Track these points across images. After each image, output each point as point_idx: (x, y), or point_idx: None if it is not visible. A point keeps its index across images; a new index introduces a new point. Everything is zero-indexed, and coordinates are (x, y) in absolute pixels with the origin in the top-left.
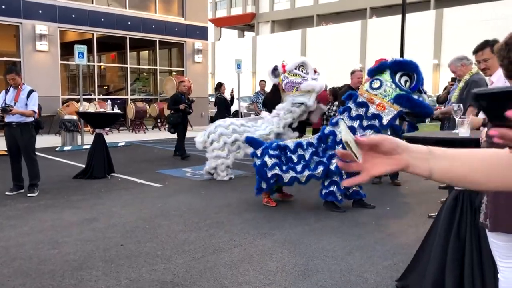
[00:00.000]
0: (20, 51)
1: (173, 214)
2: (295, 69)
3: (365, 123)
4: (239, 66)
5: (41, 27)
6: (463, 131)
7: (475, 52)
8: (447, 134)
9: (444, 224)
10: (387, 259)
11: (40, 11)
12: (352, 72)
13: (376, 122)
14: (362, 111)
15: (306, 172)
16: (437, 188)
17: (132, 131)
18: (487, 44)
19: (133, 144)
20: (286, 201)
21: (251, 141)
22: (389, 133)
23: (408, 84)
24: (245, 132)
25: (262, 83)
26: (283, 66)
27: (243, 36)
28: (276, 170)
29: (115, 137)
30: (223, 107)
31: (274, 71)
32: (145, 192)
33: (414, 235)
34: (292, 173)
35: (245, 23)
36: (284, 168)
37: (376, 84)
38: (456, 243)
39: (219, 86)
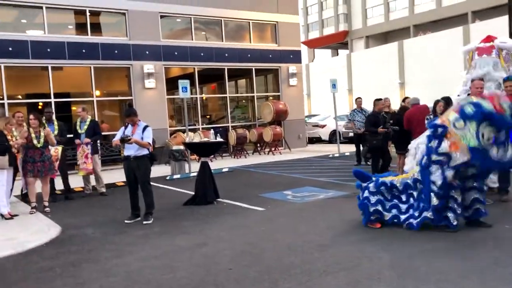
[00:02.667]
0: (131, 89)
1: (277, 237)
2: None
3: (433, 157)
4: (334, 86)
5: (148, 66)
6: None
7: None
8: None
9: None
10: (509, 283)
11: (147, 52)
12: (472, 80)
13: (444, 159)
14: (434, 143)
15: (411, 212)
16: None
17: (234, 157)
18: None
19: (236, 170)
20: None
21: (358, 174)
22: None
23: (491, 134)
24: None
25: (359, 100)
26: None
27: (337, 54)
28: (379, 207)
29: (219, 164)
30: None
31: None
32: (249, 216)
33: None
34: (394, 212)
35: (338, 42)
36: (387, 206)
37: (460, 125)
38: None
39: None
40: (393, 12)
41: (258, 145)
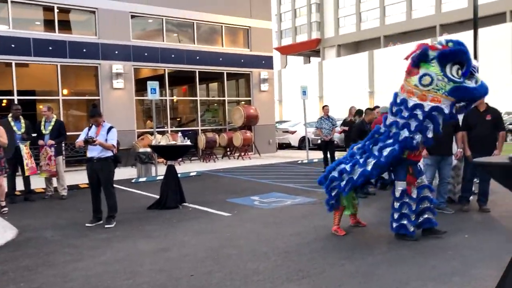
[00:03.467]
0: (99, 89)
1: (242, 243)
2: None
3: (421, 116)
4: (304, 93)
5: (117, 66)
6: None
7: None
8: None
9: None
10: None
11: (116, 52)
12: None
13: (435, 113)
14: (418, 111)
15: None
16: None
17: (203, 161)
18: None
19: (204, 174)
20: (359, 226)
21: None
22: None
23: (459, 71)
24: None
25: (326, 108)
26: None
27: (309, 62)
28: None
29: (187, 167)
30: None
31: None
32: (215, 222)
33: (495, 265)
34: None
35: (310, 49)
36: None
37: (427, 81)
38: None
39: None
40: (365, 22)
41: (228, 149)
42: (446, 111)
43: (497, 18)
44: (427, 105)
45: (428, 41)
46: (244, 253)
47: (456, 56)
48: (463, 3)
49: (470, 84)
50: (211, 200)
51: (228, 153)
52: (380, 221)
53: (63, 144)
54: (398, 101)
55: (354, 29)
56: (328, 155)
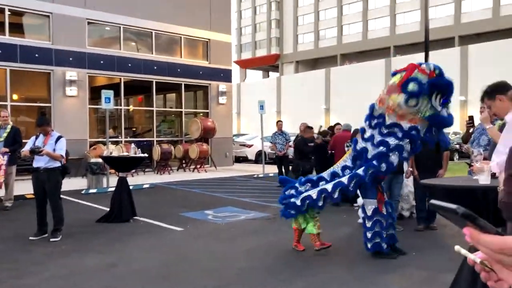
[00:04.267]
0: (51, 96)
1: (194, 260)
2: None
3: (399, 134)
4: (262, 107)
5: (71, 73)
6: (483, 178)
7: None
8: (467, 181)
9: (468, 276)
10: None
11: (71, 58)
12: None
13: (414, 132)
14: (395, 129)
15: (330, 184)
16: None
17: (157, 173)
18: (483, 96)
19: (158, 186)
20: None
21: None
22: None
23: (439, 100)
24: None
25: (280, 123)
26: None
27: (268, 76)
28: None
29: (140, 179)
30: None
31: None
32: (167, 237)
33: (439, 284)
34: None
35: (269, 64)
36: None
37: (412, 103)
38: None
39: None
40: (323, 40)
41: (184, 161)
42: (421, 133)
43: (447, 42)
44: (406, 125)
45: (382, 61)
46: (195, 270)
47: (446, 88)
48: (416, 26)
49: (444, 113)
50: (164, 213)
51: (184, 165)
52: (336, 237)
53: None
54: (376, 114)
55: (312, 46)
56: (283, 170)
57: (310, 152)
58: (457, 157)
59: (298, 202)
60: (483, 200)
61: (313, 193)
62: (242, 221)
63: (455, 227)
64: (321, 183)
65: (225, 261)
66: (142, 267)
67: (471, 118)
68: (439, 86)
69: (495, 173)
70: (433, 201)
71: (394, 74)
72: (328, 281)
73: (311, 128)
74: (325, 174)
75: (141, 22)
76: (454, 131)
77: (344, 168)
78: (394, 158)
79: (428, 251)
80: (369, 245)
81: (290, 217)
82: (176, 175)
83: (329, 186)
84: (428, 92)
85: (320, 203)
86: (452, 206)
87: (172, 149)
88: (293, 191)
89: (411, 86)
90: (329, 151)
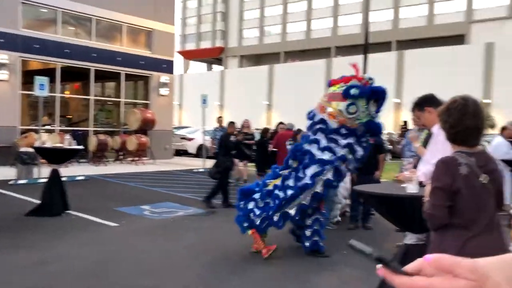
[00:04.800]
0: None
1: (128, 257)
2: None
3: (342, 142)
4: (204, 101)
5: (2, 56)
6: (411, 187)
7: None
8: (397, 190)
9: None
10: None
11: (2, 40)
12: None
13: (354, 137)
14: (338, 135)
15: (293, 210)
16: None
17: (92, 164)
18: (414, 107)
19: (92, 178)
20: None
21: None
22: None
23: (374, 107)
24: None
25: (220, 119)
26: None
27: (211, 69)
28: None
29: (74, 170)
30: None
31: None
32: (100, 232)
33: (371, 283)
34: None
35: (213, 57)
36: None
37: (353, 110)
38: None
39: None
40: (267, 36)
41: (121, 153)
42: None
43: (385, 46)
44: (346, 130)
45: (324, 61)
46: (130, 268)
47: (384, 95)
48: (356, 29)
49: (377, 121)
50: (98, 208)
51: (121, 157)
52: (273, 235)
53: None
54: (316, 119)
55: (256, 42)
56: None
57: (232, 148)
58: (390, 157)
59: (258, 222)
60: (410, 209)
61: (276, 216)
62: (180, 217)
63: (388, 227)
64: (276, 191)
65: (161, 258)
66: (73, 265)
67: (405, 123)
68: (378, 93)
69: (421, 182)
70: (352, 242)
71: (330, 84)
72: (263, 280)
73: (233, 123)
74: (277, 180)
75: (81, 6)
76: (387, 131)
77: (291, 173)
78: (343, 167)
79: None
80: (306, 243)
81: (244, 231)
82: (113, 167)
83: (292, 211)
84: (369, 96)
85: (280, 224)
86: (368, 249)
87: (109, 140)
88: (252, 205)
89: (353, 91)
90: (272, 149)
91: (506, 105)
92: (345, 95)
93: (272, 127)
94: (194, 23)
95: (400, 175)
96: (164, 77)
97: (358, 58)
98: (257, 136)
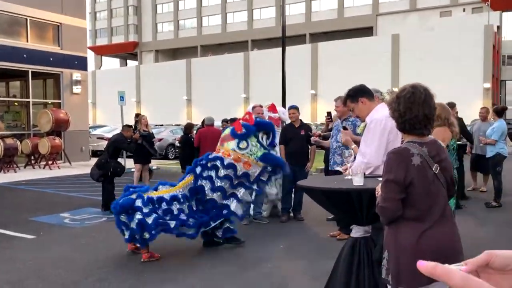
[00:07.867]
0: None
1: (48, 272)
2: None
3: (235, 181)
4: (122, 98)
5: None
6: (357, 180)
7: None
8: (342, 182)
9: (343, 276)
10: None
11: None
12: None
13: (245, 180)
14: (231, 172)
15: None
16: (326, 221)
17: (0, 171)
18: (346, 99)
19: (1, 187)
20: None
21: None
22: (255, 187)
23: (266, 140)
24: None
25: (142, 117)
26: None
27: (126, 64)
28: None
29: None
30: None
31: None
32: (15, 247)
33: (312, 274)
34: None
35: (127, 52)
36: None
37: (244, 145)
38: None
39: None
40: (182, 30)
41: (32, 157)
42: (251, 178)
43: (299, 39)
44: (240, 168)
45: (241, 55)
46: (52, 285)
47: (270, 127)
48: (272, 22)
49: (274, 153)
50: (10, 219)
51: (33, 162)
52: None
53: None
54: (211, 157)
55: (172, 36)
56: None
57: (130, 151)
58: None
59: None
60: (357, 202)
61: (172, 223)
62: (103, 223)
63: (319, 218)
64: (162, 204)
65: (85, 271)
66: None
67: (329, 114)
68: (263, 125)
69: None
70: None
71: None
72: (191, 284)
73: (130, 126)
74: (166, 195)
75: None
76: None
77: (184, 196)
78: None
79: (297, 241)
80: (219, 233)
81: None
82: (24, 173)
83: (191, 230)
84: (255, 131)
85: (176, 232)
86: None
87: (18, 144)
88: (139, 202)
89: (243, 134)
90: (195, 146)
91: None
92: (234, 135)
93: (195, 122)
94: (105, 17)
95: (345, 167)
96: (76, 74)
97: (275, 52)
98: (179, 132)
